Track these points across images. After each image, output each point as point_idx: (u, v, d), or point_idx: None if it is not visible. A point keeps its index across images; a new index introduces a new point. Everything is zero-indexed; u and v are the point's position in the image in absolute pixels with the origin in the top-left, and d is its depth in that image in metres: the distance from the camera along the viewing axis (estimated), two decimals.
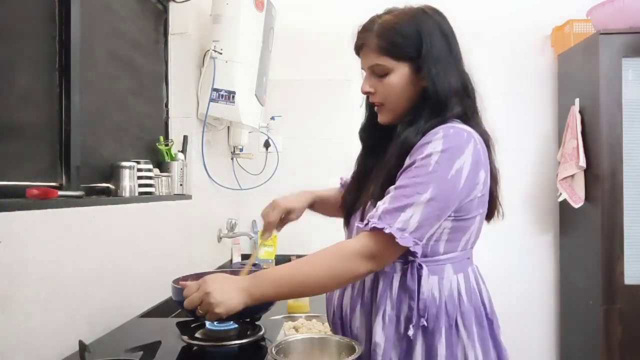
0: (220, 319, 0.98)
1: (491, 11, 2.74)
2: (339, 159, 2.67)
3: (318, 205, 1.32)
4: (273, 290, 0.96)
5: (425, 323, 0.97)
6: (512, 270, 2.71)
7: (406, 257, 0.98)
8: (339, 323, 1.09)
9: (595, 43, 2.30)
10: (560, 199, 2.56)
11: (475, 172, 0.97)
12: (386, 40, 1.01)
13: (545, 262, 2.78)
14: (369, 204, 1.03)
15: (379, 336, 0.98)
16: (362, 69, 1.09)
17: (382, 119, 1.09)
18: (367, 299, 1.03)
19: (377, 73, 1.04)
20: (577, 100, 2.48)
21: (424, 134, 0.98)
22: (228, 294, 0.93)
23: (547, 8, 2.72)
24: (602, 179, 2.29)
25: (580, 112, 2.45)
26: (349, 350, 0.95)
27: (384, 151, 1.07)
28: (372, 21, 1.05)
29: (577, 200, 2.44)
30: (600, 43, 2.28)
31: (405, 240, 0.91)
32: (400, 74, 1.02)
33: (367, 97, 1.12)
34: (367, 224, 0.94)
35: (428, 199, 0.91)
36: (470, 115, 1.03)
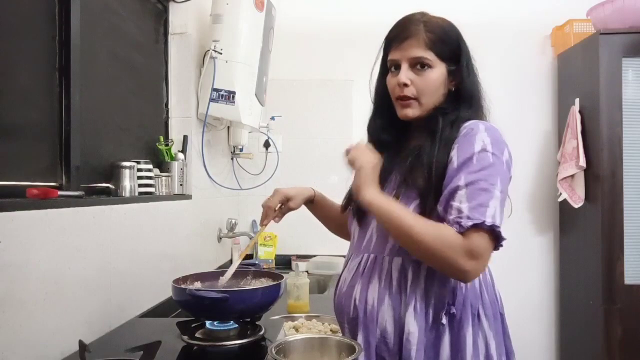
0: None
1: (491, 11, 2.74)
2: (339, 159, 2.66)
3: (318, 203, 1.34)
4: (388, 211, 0.99)
5: (454, 311, 0.99)
6: (512, 270, 2.71)
7: None
8: (362, 317, 1.06)
9: (595, 43, 2.30)
10: (560, 199, 2.56)
11: (512, 164, 1.02)
12: (436, 36, 1.06)
13: (545, 262, 2.78)
14: (412, 201, 1.03)
15: (412, 326, 0.99)
16: (390, 60, 1.10)
17: (409, 112, 1.09)
18: (396, 290, 1.03)
19: (418, 66, 1.06)
20: (577, 100, 2.48)
21: (458, 128, 1.03)
22: (366, 180, 1.02)
23: (547, 8, 2.72)
24: (602, 179, 2.29)
25: (580, 112, 2.45)
26: (349, 350, 0.95)
27: (395, 149, 1.12)
28: (415, 17, 1.09)
29: (577, 200, 2.44)
30: (600, 43, 2.28)
31: (500, 232, 0.93)
32: (439, 71, 1.07)
33: (378, 96, 1.15)
34: (458, 225, 0.93)
35: (500, 190, 0.95)
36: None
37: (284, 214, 1.29)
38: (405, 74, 1.06)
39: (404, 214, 0.98)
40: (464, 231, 0.93)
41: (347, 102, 2.71)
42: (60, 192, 1.14)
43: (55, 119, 1.27)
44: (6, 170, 1.08)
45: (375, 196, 1.01)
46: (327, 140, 2.74)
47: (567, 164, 2.47)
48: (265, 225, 1.27)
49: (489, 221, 0.92)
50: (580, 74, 2.47)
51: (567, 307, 2.68)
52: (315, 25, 2.77)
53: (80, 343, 1.03)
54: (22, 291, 0.97)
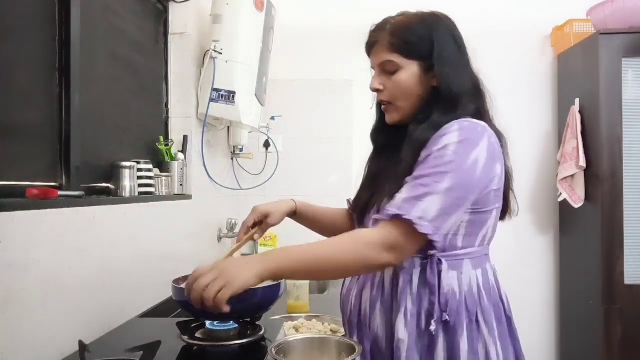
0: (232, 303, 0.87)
1: (491, 11, 2.74)
2: (339, 159, 2.67)
3: (301, 213, 1.29)
4: (290, 265, 0.91)
5: (447, 318, 0.97)
6: (512, 271, 2.71)
7: (426, 251, 0.98)
8: (356, 321, 1.08)
9: (595, 43, 2.30)
10: (560, 199, 2.56)
11: (492, 165, 0.98)
12: (399, 38, 1.04)
13: (545, 262, 2.78)
14: (384, 201, 1.02)
15: (402, 333, 0.98)
16: (372, 67, 1.11)
17: (389, 118, 1.10)
18: (388, 296, 1.03)
19: (387, 70, 1.06)
20: (577, 100, 2.48)
21: (438, 129, 0.99)
22: (238, 270, 0.86)
23: (547, 8, 2.72)
24: (602, 179, 2.29)
25: (580, 112, 2.45)
26: (349, 350, 0.95)
27: (395, 152, 1.09)
28: (385, 21, 1.08)
29: (577, 200, 2.44)
30: (600, 43, 2.28)
31: (424, 227, 0.90)
32: (410, 72, 1.05)
33: (376, 101, 1.14)
34: (385, 213, 0.93)
35: (447, 188, 0.92)
36: (483, 115, 1.06)
37: (264, 231, 1.25)
38: (377, 80, 1.08)
39: (310, 250, 0.92)
40: (383, 220, 0.93)
41: (347, 102, 2.71)
42: (60, 192, 1.14)
43: (55, 119, 1.27)
44: (6, 170, 1.08)
45: (269, 264, 0.89)
46: (327, 141, 2.73)
47: (567, 164, 2.47)
48: (240, 241, 1.22)
49: (412, 215, 0.89)
50: (580, 74, 2.47)
51: (567, 307, 2.68)
52: (315, 25, 2.77)
53: (80, 343, 1.03)
54: (22, 291, 0.97)
